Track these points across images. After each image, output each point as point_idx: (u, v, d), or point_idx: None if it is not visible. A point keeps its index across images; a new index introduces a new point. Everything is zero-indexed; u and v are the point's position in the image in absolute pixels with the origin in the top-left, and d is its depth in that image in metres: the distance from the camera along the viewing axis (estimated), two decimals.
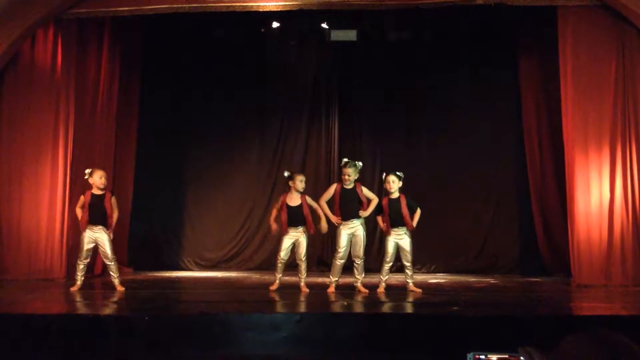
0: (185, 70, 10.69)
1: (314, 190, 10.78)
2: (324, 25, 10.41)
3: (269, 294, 6.83)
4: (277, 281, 7.12)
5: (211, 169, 10.62)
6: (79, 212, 6.98)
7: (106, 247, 6.94)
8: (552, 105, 9.14)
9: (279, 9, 8.29)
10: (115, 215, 7.04)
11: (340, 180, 7.11)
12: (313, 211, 7.06)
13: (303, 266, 7.07)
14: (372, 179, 10.65)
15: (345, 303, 6.14)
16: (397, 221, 6.95)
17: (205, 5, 8.10)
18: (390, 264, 7.06)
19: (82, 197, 7.06)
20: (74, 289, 6.91)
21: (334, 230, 10.50)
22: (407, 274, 7.05)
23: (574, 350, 1.16)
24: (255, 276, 9.22)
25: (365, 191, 7.04)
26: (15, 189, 8.27)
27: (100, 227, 6.90)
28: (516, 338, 4.61)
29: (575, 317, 5.52)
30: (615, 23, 7.99)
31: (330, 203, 7.08)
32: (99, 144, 9.23)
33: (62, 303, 6.66)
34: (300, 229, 7.00)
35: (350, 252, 7.03)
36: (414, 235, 7.13)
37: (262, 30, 10.43)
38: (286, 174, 7.18)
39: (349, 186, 6.98)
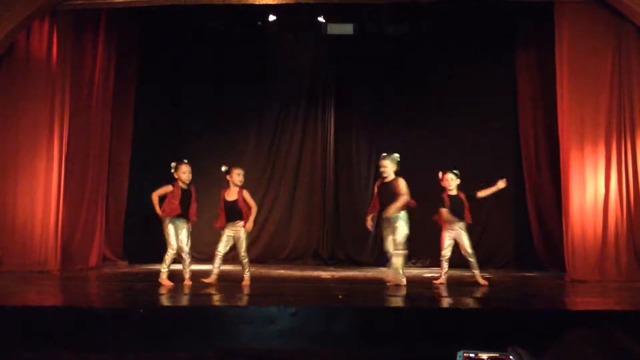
0: (182, 63, 10.66)
1: (310, 183, 10.82)
2: (321, 19, 10.40)
3: (202, 283, 6.76)
4: (214, 275, 6.95)
5: (206, 162, 10.54)
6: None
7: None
8: (548, 101, 9.14)
9: (275, 2, 8.27)
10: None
11: (380, 177, 7.04)
12: (248, 208, 6.89)
13: (245, 261, 6.94)
14: (368, 172, 10.67)
15: (340, 296, 6.15)
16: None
17: None
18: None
19: (170, 188, 6.92)
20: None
21: (330, 225, 10.63)
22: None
23: (575, 348, 1.15)
24: (250, 269, 9.20)
25: (402, 185, 6.90)
26: (10, 181, 8.24)
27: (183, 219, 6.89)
28: (510, 332, 4.63)
29: (569, 312, 5.54)
30: (612, 19, 7.99)
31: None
32: (95, 136, 9.22)
33: (57, 295, 6.65)
34: (240, 224, 6.86)
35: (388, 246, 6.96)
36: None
37: (259, 23, 10.42)
38: (223, 168, 6.98)
39: (388, 180, 6.94)
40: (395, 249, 6.87)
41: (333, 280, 7.91)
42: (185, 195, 6.86)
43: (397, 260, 6.89)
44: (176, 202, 6.78)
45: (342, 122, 10.81)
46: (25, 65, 8.36)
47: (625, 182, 7.97)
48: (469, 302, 5.95)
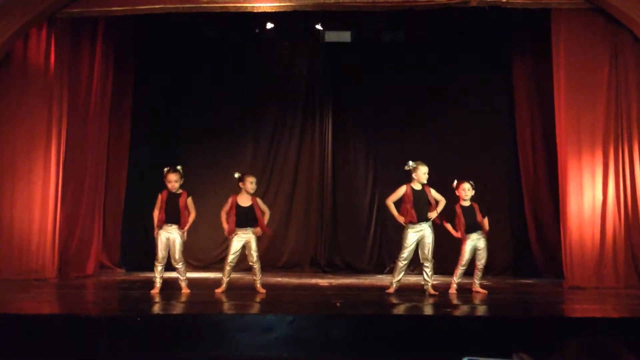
0: (179, 70, 10.67)
1: (307, 190, 10.81)
2: (318, 27, 10.43)
3: (215, 295, 6.73)
4: (224, 285, 6.96)
5: (204, 169, 10.58)
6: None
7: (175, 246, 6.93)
8: (545, 108, 9.15)
9: (273, 10, 8.28)
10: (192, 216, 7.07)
11: (409, 182, 6.98)
12: (262, 213, 7.01)
13: (257, 267, 6.98)
14: (366, 180, 10.66)
15: (338, 304, 6.13)
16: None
17: (199, 5, 8.07)
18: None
19: (159, 198, 6.95)
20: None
21: (328, 232, 10.62)
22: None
23: (574, 357, 1.15)
24: (248, 277, 9.16)
25: (434, 192, 6.99)
26: (7, 189, 8.22)
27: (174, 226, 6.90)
28: (509, 340, 4.62)
29: (567, 319, 5.54)
30: (608, 26, 8.02)
31: (396, 205, 6.96)
32: (92, 143, 9.21)
33: (54, 303, 6.63)
34: (250, 230, 6.91)
35: (419, 255, 6.93)
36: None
37: (257, 31, 10.44)
38: (236, 175, 7.07)
39: (418, 187, 6.93)
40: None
41: (331, 287, 7.90)
42: (172, 202, 6.88)
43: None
44: (162, 211, 6.85)
45: (340, 129, 10.81)
46: (22, 72, 8.35)
47: (622, 189, 7.98)
48: (468, 310, 5.94)
